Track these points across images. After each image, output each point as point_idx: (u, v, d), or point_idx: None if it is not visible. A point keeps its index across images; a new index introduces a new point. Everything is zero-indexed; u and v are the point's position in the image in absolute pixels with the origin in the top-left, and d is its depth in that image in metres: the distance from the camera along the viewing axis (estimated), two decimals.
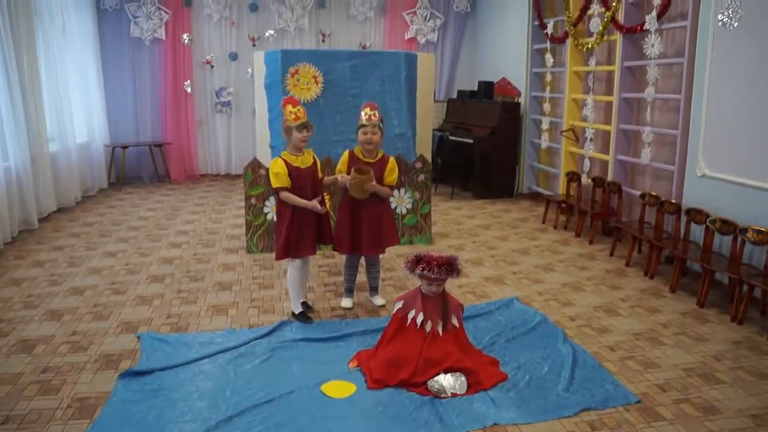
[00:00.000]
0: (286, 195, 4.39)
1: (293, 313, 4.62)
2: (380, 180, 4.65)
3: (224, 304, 4.96)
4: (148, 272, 5.73)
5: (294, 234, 4.42)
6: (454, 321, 3.78)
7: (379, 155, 4.73)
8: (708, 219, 5.21)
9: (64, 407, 3.39)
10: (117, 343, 4.21)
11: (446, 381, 3.55)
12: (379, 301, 4.96)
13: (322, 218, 4.56)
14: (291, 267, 4.58)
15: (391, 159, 4.77)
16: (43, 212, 7.58)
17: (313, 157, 4.63)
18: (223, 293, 5.22)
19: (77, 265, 5.92)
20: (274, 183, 4.42)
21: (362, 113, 4.63)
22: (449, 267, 3.68)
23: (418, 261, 3.71)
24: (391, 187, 4.79)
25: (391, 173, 4.71)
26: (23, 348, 4.12)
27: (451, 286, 5.25)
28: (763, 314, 4.75)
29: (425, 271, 3.66)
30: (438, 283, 3.73)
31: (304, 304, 4.76)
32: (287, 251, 4.45)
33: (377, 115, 4.62)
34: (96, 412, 3.33)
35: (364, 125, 4.61)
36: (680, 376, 3.81)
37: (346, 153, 4.76)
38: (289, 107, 4.46)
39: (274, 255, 5.95)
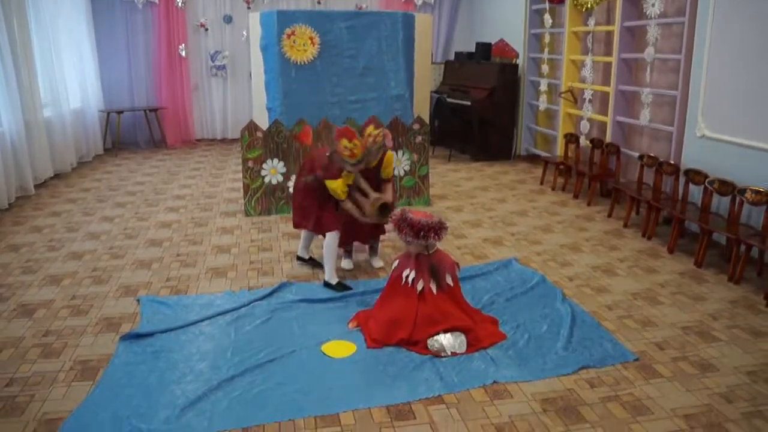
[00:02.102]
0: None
1: (328, 284, 4.52)
2: (377, 173, 4.62)
3: (223, 267, 4.97)
4: (147, 236, 5.73)
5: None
6: (449, 280, 3.78)
7: None
8: (706, 180, 5.20)
9: (66, 369, 3.41)
10: (117, 307, 4.22)
11: (446, 340, 3.57)
12: (377, 263, 4.98)
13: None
14: (330, 237, 4.52)
15: (389, 153, 4.65)
16: (39, 178, 7.54)
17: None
18: (222, 256, 5.22)
19: (75, 230, 5.91)
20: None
21: (365, 131, 4.51)
22: (419, 230, 3.66)
23: (400, 220, 3.72)
24: (388, 180, 4.70)
25: (387, 167, 4.66)
26: (24, 312, 4.13)
27: (450, 246, 5.26)
28: (760, 274, 4.78)
29: (396, 231, 3.73)
30: (410, 243, 3.74)
31: (311, 259, 4.95)
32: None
33: (381, 133, 4.47)
34: (98, 374, 3.36)
35: (369, 148, 4.39)
36: (677, 334, 3.84)
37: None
38: (344, 141, 4.29)
39: (272, 218, 5.98)
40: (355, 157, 4.31)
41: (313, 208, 4.54)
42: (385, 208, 4.44)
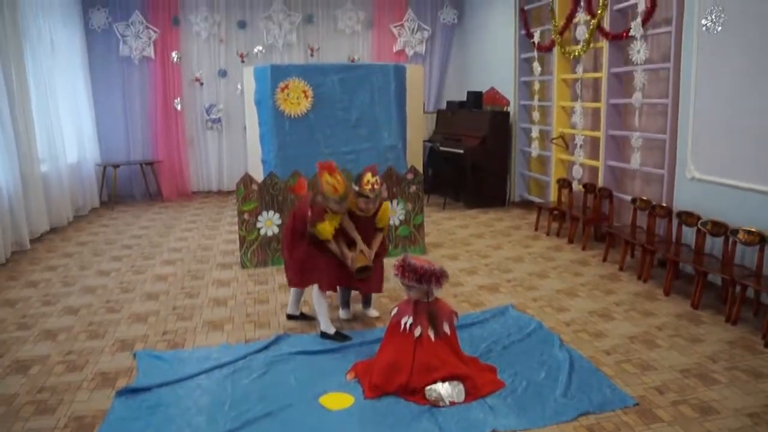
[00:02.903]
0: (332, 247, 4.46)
1: (326, 334, 4.48)
2: (372, 223, 4.64)
3: (220, 320, 4.96)
4: (143, 290, 5.72)
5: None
6: (446, 328, 3.77)
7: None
8: (699, 221, 5.24)
9: (61, 426, 3.37)
10: (113, 362, 4.19)
11: (444, 389, 3.55)
12: (373, 313, 4.96)
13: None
14: (315, 289, 4.52)
15: (385, 204, 4.68)
16: (35, 233, 7.55)
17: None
18: (219, 309, 5.21)
19: (71, 284, 5.90)
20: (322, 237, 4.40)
21: (363, 178, 4.45)
22: (421, 276, 3.68)
23: (401, 265, 3.75)
24: (381, 230, 4.71)
25: (382, 219, 4.67)
26: (18, 369, 4.09)
27: (446, 294, 5.26)
28: (756, 314, 4.78)
29: (399, 276, 3.74)
30: (411, 289, 3.75)
31: (303, 315, 4.90)
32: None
33: (379, 181, 4.50)
34: (94, 430, 3.32)
35: (366, 196, 4.43)
36: (677, 377, 3.82)
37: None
38: (326, 176, 4.23)
39: (268, 269, 5.98)
40: (338, 193, 4.25)
41: (302, 258, 4.49)
42: (362, 271, 4.45)
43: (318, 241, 4.42)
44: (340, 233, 4.51)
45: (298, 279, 4.60)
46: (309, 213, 4.36)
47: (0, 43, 6.84)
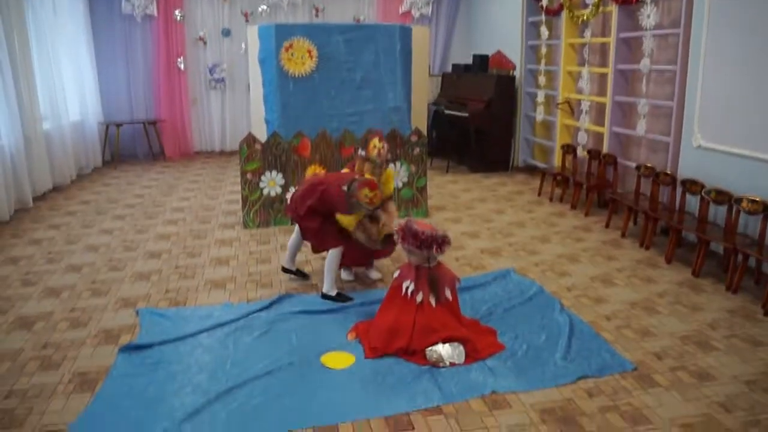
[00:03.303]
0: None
1: (327, 295, 4.51)
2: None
3: (222, 279, 4.98)
4: (145, 249, 5.74)
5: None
6: (448, 294, 3.79)
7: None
8: (703, 190, 5.22)
9: (65, 382, 3.41)
10: (116, 319, 4.23)
11: (444, 350, 3.58)
12: (375, 274, 4.98)
13: None
14: (334, 251, 4.52)
15: (388, 171, 4.67)
16: (38, 191, 7.55)
17: None
18: (221, 268, 5.23)
19: (74, 242, 5.91)
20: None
21: (370, 144, 4.43)
22: (422, 241, 3.68)
23: (404, 229, 3.75)
24: (389, 198, 4.69)
25: (387, 184, 4.66)
26: (22, 325, 4.13)
27: (448, 258, 5.27)
28: (758, 283, 4.79)
29: (400, 240, 3.76)
30: (412, 254, 3.75)
31: (299, 271, 4.92)
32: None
33: (386, 147, 4.47)
34: (97, 386, 3.36)
35: (372, 161, 4.43)
36: (676, 344, 3.84)
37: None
38: (366, 191, 4.25)
39: (270, 230, 5.98)
40: (374, 204, 4.29)
41: (316, 227, 4.51)
42: (386, 240, 4.46)
43: (333, 219, 4.42)
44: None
45: (314, 241, 4.65)
46: (338, 206, 4.35)
47: (0, 1, 6.75)
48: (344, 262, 4.71)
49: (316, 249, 4.80)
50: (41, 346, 3.83)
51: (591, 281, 4.92)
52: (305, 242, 4.87)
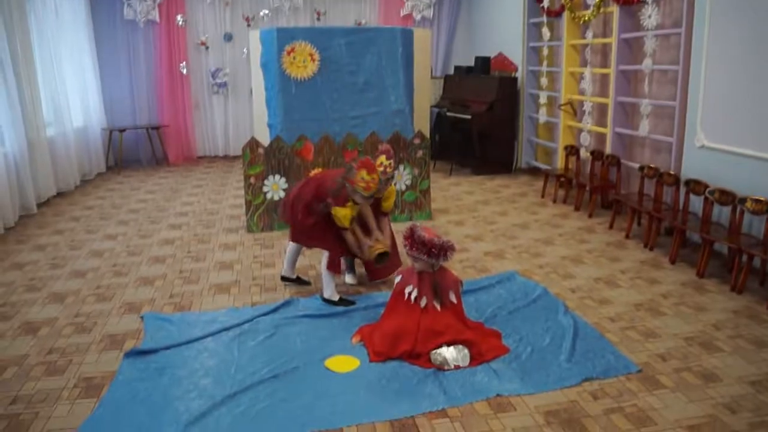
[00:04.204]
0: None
1: (329, 300, 4.48)
2: (378, 206, 4.63)
3: (226, 283, 4.98)
4: (149, 253, 5.75)
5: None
6: (452, 297, 3.80)
7: None
8: (707, 190, 5.21)
9: (70, 387, 3.42)
10: (121, 324, 4.23)
11: (449, 353, 3.58)
12: (349, 279, 4.98)
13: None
14: (327, 255, 4.51)
15: (391, 188, 4.65)
16: (42, 197, 7.58)
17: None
18: (225, 272, 5.24)
19: (78, 248, 5.93)
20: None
21: (377, 160, 4.39)
22: (430, 249, 3.68)
23: (410, 236, 3.75)
24: (386, 214, 4.72)
25: (387, 200, 4.65)
26: (28, 330, 4.14)
27: (452, 261, 5.25)
28: (762, 284, 4.78)
29: (407, 248, 3.75)
30: (418, 261, 3.76)
31: (299, 279, 4.92)
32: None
33: (392, 165, 4.48)
34: (102, 391, 3.36)
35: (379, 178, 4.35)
36: (680, 345, 3.84)
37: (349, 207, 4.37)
38: (364, 173, 4.17)
39: (274, 234, 5.98)
40: (370, 191, 4.24)
41: (311, 224, 4.48)
42: (381, 258, 4.46)
43: (330, 219, 4.39)
44: (355, 219, 4.48)
45: (305, 238, 4.61)
46: (330, 198, 4.31)
47: (3, 7, 6.78)
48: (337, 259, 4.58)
49: (310, 245, 4.75)
50: (46, 351, 3.84)
51: (595, 283, 4.91)
52: (304, 249, 4.86)
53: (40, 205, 7.41)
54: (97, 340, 3.98)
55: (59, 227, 6.65)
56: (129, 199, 7.95)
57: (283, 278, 4.94)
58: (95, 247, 5.96)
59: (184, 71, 10.39)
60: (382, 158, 4.44)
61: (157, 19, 10.18)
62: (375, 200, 4.53)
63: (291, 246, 4.82)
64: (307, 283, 4.90)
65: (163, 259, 5.58)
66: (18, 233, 6.43)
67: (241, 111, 10.87)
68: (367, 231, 4.56)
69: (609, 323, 4.16)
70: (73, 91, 8.99)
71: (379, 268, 4.69)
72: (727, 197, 5.00)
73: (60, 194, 8.12)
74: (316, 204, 4.41)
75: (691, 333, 4.00)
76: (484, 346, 3.71)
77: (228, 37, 10.61)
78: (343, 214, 4.29)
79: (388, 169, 4.42)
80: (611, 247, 5.79)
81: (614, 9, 6.89)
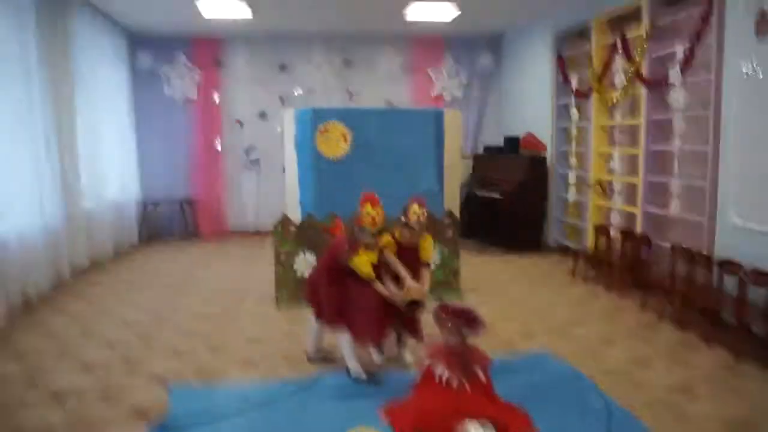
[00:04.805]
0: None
1: (357, 378, 4.43)
2: (416, 257, 4.59)
3: (254, 358, 4.96)
4: (178, 326, 5.77)
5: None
6: (480, 375, 3.75)
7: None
8: (741, 270, 5.14)
9: None
10: (147, 395, 4.21)
11: (474, 427, 3.49)
12: (408, 357, 4.85)
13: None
14: (343, 335, 4.50)
15: (428, 237, 4.64)
16: (76, 267, 7.70)
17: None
18: (253, 346, 5.22)
19: (108, 317, 5.98)
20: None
21: (410, 209, 4.47)
22: (466, 316, 3.72)
23: (441, 309, 3.77)
24: (427, 264, 4.65)
25: (426, 250, 4.62)
26: (55, 399, 4.14)
27: (481, 340, 5.19)
28: None
29: (443, 317, 3.76)
30: (454, 331, 3.73)
31: (325, 358, 4.83)
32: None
33: (425, 213, 4.52)
34: None
35: (410, 227, 4.46)
36: (719, 431, 3.71)
37: (388, 241, 4.52)
38: (368, 208, 4.24)
39: (303, 310, 5.98)
40: (375, 226, 4.23)
41: (336, 295, 4.44)
42: (413, 305, 4.41)
43: (360, 280, 4.36)
44: (385, 271, 4.44)
45: (334, 316, 4.49)
46: (345, 252, 4.34)
47: (53, 82, 7.10)
48: (360, 336, 4.47)
49: (334, 323, 4.53)
50: (73, 421, 3.83)
51: (627, 364, 4.80)
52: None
53: (73, 275, 7.53)
54: (124, 412, 3.96)
55: (91, 297, 6.73)
56: (160, 271, 8.05)
57: (309, 359, 4.88)
58: (125, 316, 6.00)
59: (219, 147, 10.66)
60: (415, 206, 4.44)
61: (195, 96, 10.55)
62: (413, 251, 4.50)
63: (314, 325, 4.76)
64: (333, 361, 4.84)
65: (193, 332, 5.58)
66: (51, 301, 6.52)
67: (272, 187, 11.01)
68: (398, 281, 4.47)
69: (643, 407, 4.04)
70: (112, 164, 9.23)
71: (410, 314, 4.54)
72: (762, 278, 4.91)
73: (93, 265, 8.24)
74: (335, 267, 4.40)
75: (729, 418, 3.87)
76: (512, 428, 3.62)
77: (262, 115, 10.90)
78: (359, 261, 4.25)
79: (421, 218, 4.42)
80: (643, 328, 5.69)
81: (642, 91, 6.98)
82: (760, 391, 4.30)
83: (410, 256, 4.56)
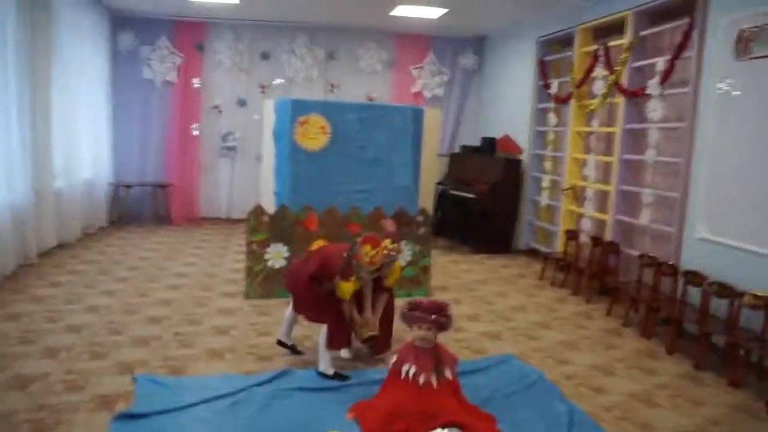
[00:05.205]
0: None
1: (324, 374, 4.45)
2: (379, 281, 4.59)
3: (221, 349, 4.95)
4: (146, 313, 5.72)
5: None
6: (448, 374, 3.79)
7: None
8: (705, 282, 5.24)
9: None
10: (113, 384, 4.18)
11: None
12: (345, 353, 4.91)
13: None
14: (326, 328, 4.51)
15: (396, 263, 4.61)
16: (43, 248, 7.60)
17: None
18: (221, 338, 5.21)
19: (75, 302, 5.91)
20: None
21: (383, 243, 4.36)
22: (439, 310, 3.77)
23: (413, 305, 3.82)
24: (389, 290, 4.67)
25: (391, 276, 4.60)
26: (18, 384, 4.09)
27: (448, 340, 5.25)
28: (761, 379, 4.75)
29: (417, 312, 3.79)
30: (428, 326, 3.77)
31: (293, 347, 4.89)
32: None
33: (398, 248, 4.50)
34: None
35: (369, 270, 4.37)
36: None
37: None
38: (368, 248, 4.24)
39: (273, 302, 5.97)
40: (374, 266, 4.29)
41: (313, 298, 4.52)
42: (369, 339, 4.45)
43: (332, 294, 4.41)
44: (356, 297, 4.48)
45: (305, 310, 4.63)
46: (339, 272, 4.34)
47: (30, 60, 6.98)
48: (330, 342, 4.51)
49: (311, 319, 4.71)
50: (36, 408, 3.78)
51: (591, 370, 4.88)
52: (303, 319, 4.86)
53: (40, 256, 7.43)
54: (88, 400, 3.93)
55: (57, 279, 6.65)
56: (129, 256, 7.97)
57: (279, 342, 4.91)
58: (92, 302, 5.93)
59: (196, 132, 10.58)
60: (387, 242, 4.45)
61: (175, 80, 10.44)
62: (377, 277, 4.55)
63: (291, 312, 4.82)
64: (301, 353, 4.87)
65: (159, 320, 5.55)
66: (16, 283, 6.42)
67: (246, 175, 10.96)
68: (360, 309, 4.55)
69: (604, 413, 4.12)
70: (85, 144, 9.10)
71: (376, 345, 4.66)
72: (725, 291, 5.02)
73: (61, 246, 8.14)
74: (319, 277, 4.43)
75: (688, 427, 3.96)
76: (478, 430, 3.66)
77: (242, 102, 10.83)
78: (346, 288, 4.30)
79: (392, 252, 4.43)
80: (608, 334, 5.78)
81: (620, 100, 7.07)
82: (718, 400, 4.39)
83: (374, 280, 4.55)
